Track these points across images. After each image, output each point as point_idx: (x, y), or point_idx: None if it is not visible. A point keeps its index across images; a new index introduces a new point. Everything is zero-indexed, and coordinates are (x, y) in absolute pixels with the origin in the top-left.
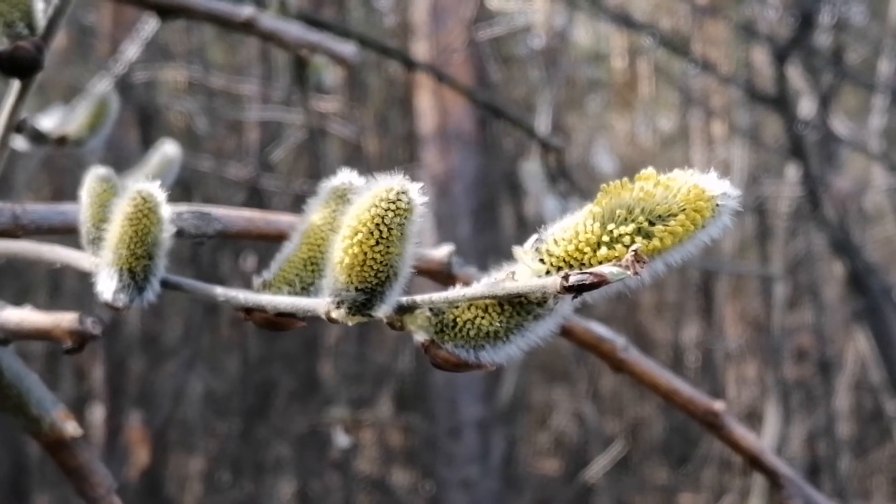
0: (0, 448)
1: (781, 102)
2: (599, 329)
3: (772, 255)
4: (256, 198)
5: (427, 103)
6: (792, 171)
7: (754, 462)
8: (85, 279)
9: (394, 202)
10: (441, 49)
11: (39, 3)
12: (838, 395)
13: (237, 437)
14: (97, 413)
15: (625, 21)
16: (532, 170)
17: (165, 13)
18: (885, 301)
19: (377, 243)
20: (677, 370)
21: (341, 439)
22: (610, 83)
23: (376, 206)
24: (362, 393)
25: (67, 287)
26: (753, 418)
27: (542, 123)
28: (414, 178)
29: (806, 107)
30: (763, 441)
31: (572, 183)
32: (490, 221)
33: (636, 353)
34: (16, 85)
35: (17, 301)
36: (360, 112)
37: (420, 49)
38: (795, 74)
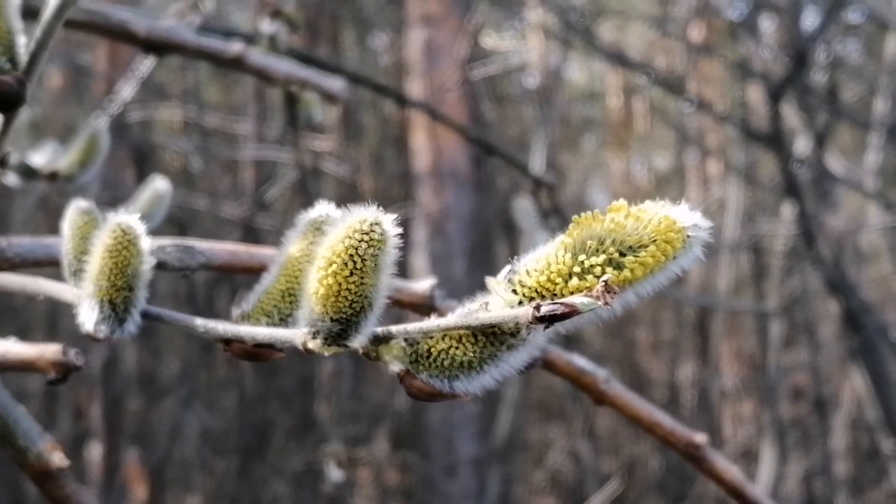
0: None
1: (776, 141)
2: (581, 362)
3: (767, 293)
4: (251, 236)
5: (422, 142)
6: (787, 210)
7: (736, 494)
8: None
9: (367, 233)
10: (435, 88)
11: (21, 38)
12: (834, 434)
13: (234, 474)
14: (95, 451)
15: (620, 60)
16: (524, 206)
17: (157, 50)
18: (880, 339)
19: (351, 274)
20: (673, 409)
21: (334, 473)
22: (605, 122)
23: (350, 238)
24: (358, 431)
25: (65, 327)
26: (749, 457)
27: (537, 162)
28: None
29: (801, 145)
30: (742, 474)
31: (564, 219)
32: (485, 260)
33: (618, 385)
34: None
35: None
36: (356, 151)
37: (414, 88)
38: (790, 113)
